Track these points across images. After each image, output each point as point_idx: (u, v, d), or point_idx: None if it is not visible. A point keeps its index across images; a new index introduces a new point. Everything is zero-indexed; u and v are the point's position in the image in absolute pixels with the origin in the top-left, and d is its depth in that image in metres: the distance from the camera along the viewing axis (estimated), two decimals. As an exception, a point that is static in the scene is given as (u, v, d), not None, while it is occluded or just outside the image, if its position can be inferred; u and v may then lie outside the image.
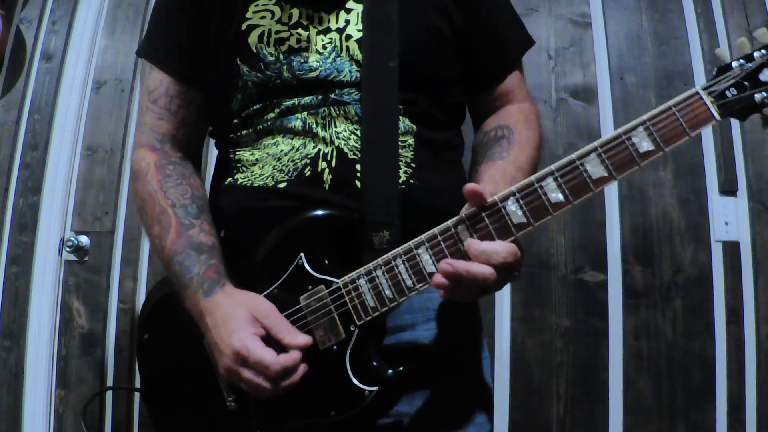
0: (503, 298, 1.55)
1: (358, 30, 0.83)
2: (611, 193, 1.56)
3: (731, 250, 1.50)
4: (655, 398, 1.46)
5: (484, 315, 1.52)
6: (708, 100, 0.65)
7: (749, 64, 0.65)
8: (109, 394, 1.63)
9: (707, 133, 1.56)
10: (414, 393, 0.82)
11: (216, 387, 0.81)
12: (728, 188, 1.53)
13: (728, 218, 1.52)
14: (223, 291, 0.77)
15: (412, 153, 0.83)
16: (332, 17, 0.84)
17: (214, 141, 0.98)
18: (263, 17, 0.85)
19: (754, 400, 1.44)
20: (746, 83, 0.65)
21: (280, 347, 0.74)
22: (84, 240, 1.71)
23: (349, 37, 0.83)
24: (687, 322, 1.48)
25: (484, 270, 0.67)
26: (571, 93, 1.62)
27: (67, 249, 1.69)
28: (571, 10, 1.67)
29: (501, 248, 0.67)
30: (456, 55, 0.88)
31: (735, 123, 1.56)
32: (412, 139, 0.83)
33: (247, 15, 0.85)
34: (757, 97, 0.64)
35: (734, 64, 0.66)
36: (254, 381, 0.72)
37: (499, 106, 0.93)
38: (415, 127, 0.84)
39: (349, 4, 0.85)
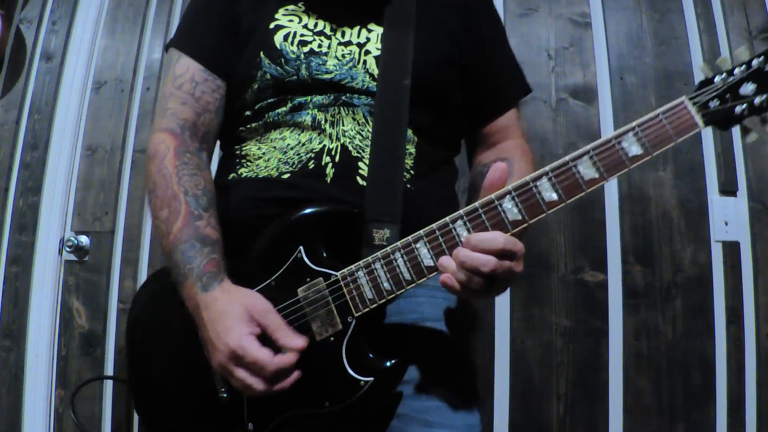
0: (503, 298, 1.55)
1: (377, 48, 0.89)
2: (611, 193, 1.56)
3: (731, 250, 1.50)
4: (655, 398, 1.46)
5: (483, 315, 1.53)
6: (693, 109, 0.70)
7: (730, 79, 0.70)
8: (109, 394, 1.63)
9: (707, 133, 1.56)
10: (408, 382, 0.82)
11: (208, 378, 0.81)
12: (728, 188, 1.53)
13: (728, 218, 1.52)
14: (221, 286, 0.77)
15: (413, 161, 0.87)
16: (354, 32, 0.90)
17: (219, 143, 1.00)
18: (291, 21, 0.91)
19: (754, 400, 1.44)
20: (727, 96, 0.69)
21: (275, 347, 0.74)
22: (84, 240, 1.71)
23: (368, 52, 0.89)
24: (687, 322, 1.48)
25: (484, 258, 0.68)
26: (571, 93, 1.62)
27: (67, 249, 1.69)
28: (571, 10, 1.68)
29: (498, 236, 0.69)
30: (461, 83, 0.94)
31: (735, 123, 1.56)
32: (414, 149, 0.88)
33: (276, 16, 0.92)
34: (737, 109, 0.69)
35: (716, 78, 0.71)
36: (247, 381, 0.73)
37: (496, 141, 0.99)
38: (416, 138, 0.89)
39: (371, 26, 0.91)
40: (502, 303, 1.54)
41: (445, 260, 0.71)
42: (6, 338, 1.71)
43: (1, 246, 1.77)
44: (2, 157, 1.82)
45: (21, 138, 1.83)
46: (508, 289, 1.61)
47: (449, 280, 0.70)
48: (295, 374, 0.75)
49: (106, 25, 1.86)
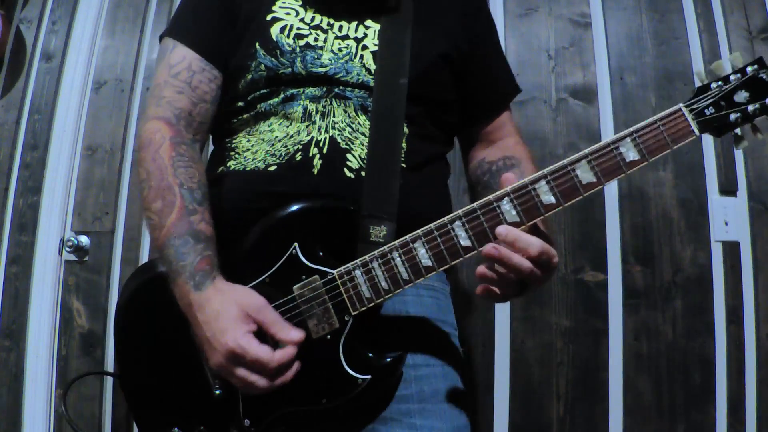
0: (503, 298, 1.55)
1: (374, 44, 0.89)
2: (611, 193, 1.56)
3: (731, 250, 1.50)
4: (655, 398, 1.46)
5: (484, 315, 1.54)
6: (689, 116, 0.71)
7: (726, 86, 0.71)
8: (109, 393, 1.63)
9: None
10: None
11: (201, 374, 0.81)
12: (728, 188, 1.53)
13: (728, 218, 1.52)
14: (214, 285, 0.76)
15: (404, 155, 0.87)
16: (351, 27, 0.90)
17: (211, 137, 0.99)
18: (288, 13, 0.91)
19: (754, 400, 1.44)
20: (722, 103, 0.71)
21: (273, 342, 0.74)
22: (84, 240, 1.71)
23: (365, 47, 0.89)
24: (687, 322, 1.48)
25: (523, 262, 0.70)
26: (571, 93, 1.62)
27: (67, 249, 1.69)
28: (571, 10, 1.67)
29: (536, 240, 0.71)
30: (455, 82, 0.95)
31: (735, 123, 1.56)
32: (405, 143, 0.88)
33: (274, 8, 0.91)
34: (732, 116, 0.71)
35: (713, 85, 0.72)
36: (249, 379, 0.72)
37: (495, 138, 1.01)
38: (407, 132, 0.88)
39: (368, 22, 0.91)
40: (502, 303, 1.54)
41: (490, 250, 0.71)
42: (6, 338, 1.71)
43: (1, 246, 1.77)
44: (2, 157, 1.81)
45: (21, 138, 1.83)
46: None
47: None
48: (295, 366, 0.75)
49: (106, 25, 1.86)
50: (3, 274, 1.75)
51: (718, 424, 1.43)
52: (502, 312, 1.54)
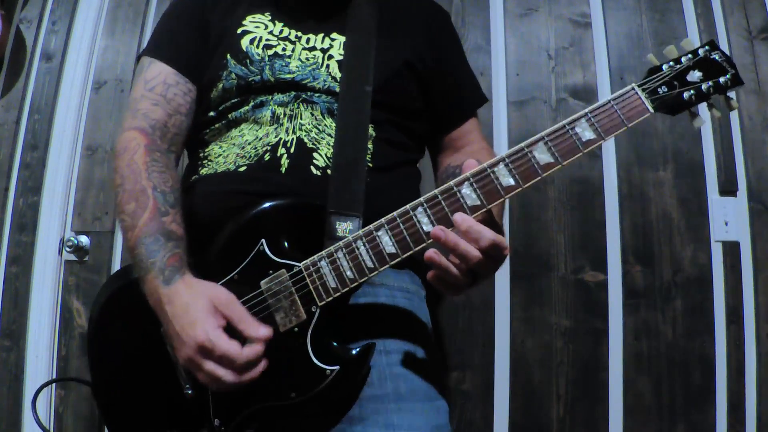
0: (503, 298, 1.55)
1: (340, 54, 0.93)
2: (611, 193, 1.56)
3: (731, 250, 1.50)
4: (655, 398, 1.46)
5: (484, 315, 1.53)
6: (642, 95, 0.73)
7: (678, 66, 0.75)
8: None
9: (707, 133, 1.56)
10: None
11: (171, 376, 0.81)
12: (728, 188, 1.53)
13: (728, 218, 1.52)
14: (183, 279, 0.77)
15: (370, 156, 0.90)
16: (318, 38, 0.95)
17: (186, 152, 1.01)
18: (257, 27, 0.96)
19: (754, 400, 1.44)
20: (675, 83, 0.74)
21: (241, 337, 0.74)
22: (84, 240, 1.71)
23: (330, 57, 0.93)
24: (687, 322, 1.48)
25: (471, 250, 0.70)
26: (571, 93, 1.62)
27: (67, 249, 1.69)
28: (571, 10, 1.68)
29: (488, 232, 0.71)
30: (421, 90, 1.00)
31: (735, 123, 1.56)
32: (371, 145, 0.91)
33: (244, 23, 0.96)
34: (686, 95, 0.74)
35: (664, 66, 0.75)
36: (216, 373, 0.73)
37: (461, 145, 1.05)
38: (374, 134, 0.92)
39: (333, 35, 0.96)
40: (502, 303, 1.54)
41: (437, 232, 0.71)
42: (6, 338, 1.71)
43: (1, 246, 1.77)
44: (2, 157, 1.81)
45: (21, 138, 1.83)
46: (508, 290, 1.61)
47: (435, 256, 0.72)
48: (263, 364, 0.75)
49: (106, 25, 1.86)
50: (3, 274, 1.75)
51: (718, 424, 1.43)
52: (502, 312, 1.54)
